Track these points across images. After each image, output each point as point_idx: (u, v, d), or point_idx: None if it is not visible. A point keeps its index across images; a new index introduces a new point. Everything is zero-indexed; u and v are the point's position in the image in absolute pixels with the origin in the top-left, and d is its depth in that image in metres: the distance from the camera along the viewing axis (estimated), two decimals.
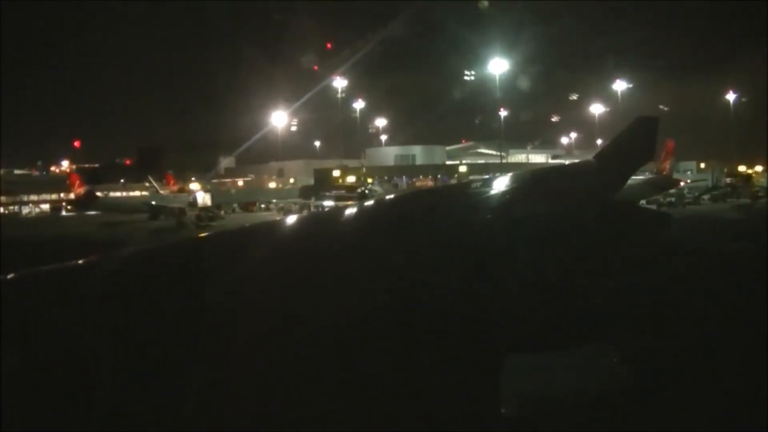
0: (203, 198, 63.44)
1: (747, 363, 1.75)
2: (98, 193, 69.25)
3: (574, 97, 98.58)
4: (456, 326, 1.63)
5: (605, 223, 2.08)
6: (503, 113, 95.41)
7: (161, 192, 76.90)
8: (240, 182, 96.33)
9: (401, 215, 2.18)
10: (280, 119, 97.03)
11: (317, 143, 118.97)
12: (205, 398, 1.30)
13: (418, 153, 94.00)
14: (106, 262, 1.74)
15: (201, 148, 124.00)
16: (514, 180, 2.69)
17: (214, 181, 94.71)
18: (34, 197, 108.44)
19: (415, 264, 1.76)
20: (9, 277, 1.49)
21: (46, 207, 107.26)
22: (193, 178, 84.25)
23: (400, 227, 2.02)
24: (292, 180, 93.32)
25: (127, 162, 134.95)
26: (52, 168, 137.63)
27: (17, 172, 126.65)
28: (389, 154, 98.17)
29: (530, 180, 2.66)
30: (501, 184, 2.57)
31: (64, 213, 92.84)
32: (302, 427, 1.36)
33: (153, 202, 62.10)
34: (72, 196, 70.43)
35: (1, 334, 1.26)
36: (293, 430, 1.35)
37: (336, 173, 76.05)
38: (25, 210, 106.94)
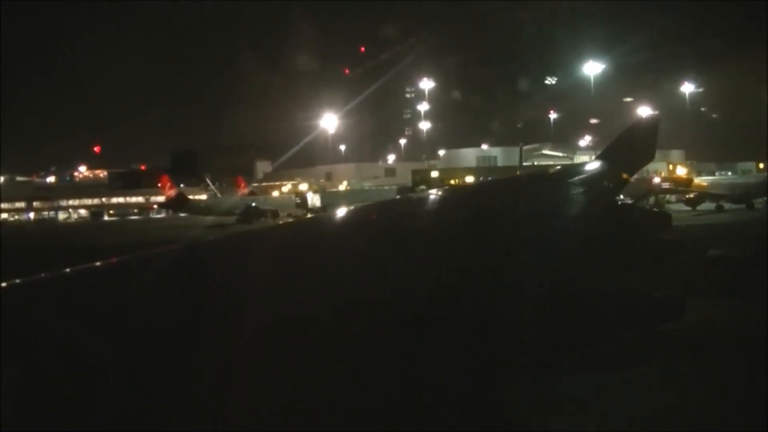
0: (312, 199, 61.93)
1: (749, 362, 1.75)
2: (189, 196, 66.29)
3: (629, 99, 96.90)
4: (461, 327, 1.65)
5: (608, 223, 2.14)
6: (553, 115, 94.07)
7: (219, 195, 74.38)
8: (286, 187, 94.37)
9: (405, 215, 2.24)
10: (327, 122, 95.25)
11: (342, 147, 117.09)
12: (207, 402, 1.32)
13: (499, 154, 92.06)
14: (114, 265, 1.76)
15: (233, 151, 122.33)
16: (517, 181, 2.88)
17: (261, 184, 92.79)
18: (73, 202, 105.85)
19: (420, 264, 1.79)
20: (10, 283, 1.49)
21: (83, 212, 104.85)
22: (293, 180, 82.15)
23: (405, 227, 2.07)
24: (345, 183, 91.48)
25: (143, 168, 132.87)
26: (75, 174, 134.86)
27: (19, 179, 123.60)
28: (468, 155, 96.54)
29: (534, 181, 2.70)
30: (506, 186, 2.72)
31: (152, 215, 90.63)
32: (303, 427, 1.39)
33: (254, 204, 59.63)
34: (162, 198, 67.68)
35: (1, 339, 1.27)
36: (294, 431, 1.38)
37: (434, 174, 74.89)
38: (62, 215, 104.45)
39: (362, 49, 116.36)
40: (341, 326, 1.53)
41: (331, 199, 64.10)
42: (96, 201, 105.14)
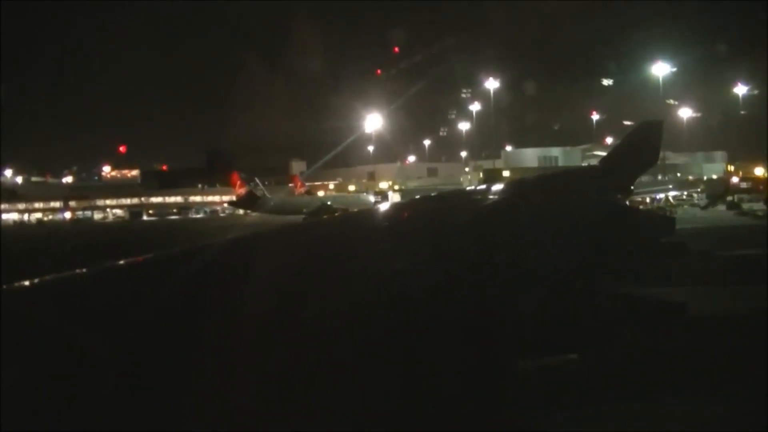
0: (392, 198, 61.55)
1: (751, 363, 1.77)
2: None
3: (673, 102, 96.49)
4: (463, 328, 1.67)
5: (611, 227, 2.17)
6: (596, 116, 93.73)
7: (267, 195, 73.75)
8: (331, 185, 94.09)
9: (409, 217, 2.26)
10: (365, 123, 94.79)
11: (370, 148, 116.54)
12: (207, 401, 1.33)
13: (560, 155, 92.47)
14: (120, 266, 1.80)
15: (263, 151, 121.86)
16: (521, 184, 2.86)
17: (291, 185, 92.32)
18: (111, 201, 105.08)
19: (421, 266, 1.81)
20: (12, 286, 1.52)
21: (119, 212, 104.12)
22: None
23: (407, 228, 2.10)
24: (389, 183, 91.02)
25: (164, 168, 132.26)
26: (103, 173, 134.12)
27: (34, 179, 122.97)
28: (529, 155, 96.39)
29: (537, 184, 2.73)
30: (510, 188, 2.75)
31: (221, 214, 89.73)
32: (304, 427, 1.39)
33: (329, 203, 59.01)
34: (233, 197, 66.83)
35: (1, 340, 1.28)
36: (295, 430, 1.38)
37: (506, 173, 74.64)
38: (98, 215, 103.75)
39: (396, 49, 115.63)
40: (350, 325, 1.55)
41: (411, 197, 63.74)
42: (135, 201, 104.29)
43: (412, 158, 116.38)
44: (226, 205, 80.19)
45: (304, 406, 1.41)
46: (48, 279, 1.61)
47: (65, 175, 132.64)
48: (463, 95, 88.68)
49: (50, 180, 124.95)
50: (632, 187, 2.55)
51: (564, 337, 1.76)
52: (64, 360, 1.32)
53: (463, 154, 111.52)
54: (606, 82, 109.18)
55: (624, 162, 2.47)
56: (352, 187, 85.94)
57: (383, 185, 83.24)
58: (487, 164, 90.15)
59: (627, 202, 2.74)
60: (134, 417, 1.28)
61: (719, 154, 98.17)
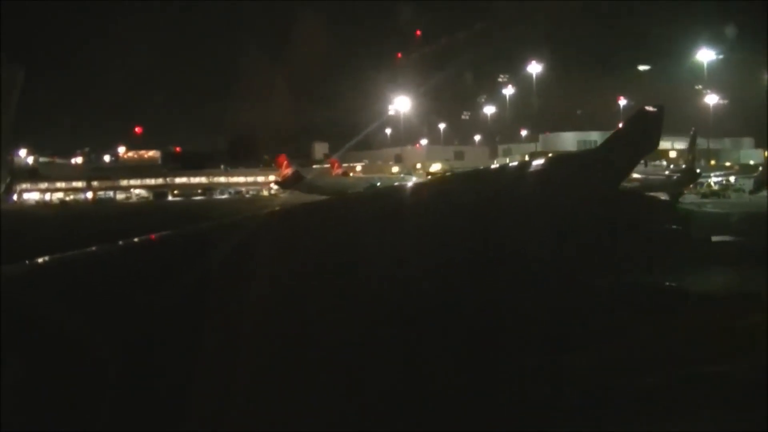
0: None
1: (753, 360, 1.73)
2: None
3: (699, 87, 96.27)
4: (463, 325, 1.63)
5: (611, 214, 2.13)
6: (623, 102, 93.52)
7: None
8: (358, 167, 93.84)
9: (404, 206, 2.19)
10: (394, 106, 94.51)
11: (388, 131, 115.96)
12: (210, 398, 1.30)
13: (599, 139, 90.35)
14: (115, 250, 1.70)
15: (284, 135, 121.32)
16: (516, 170, 2.85)
17: (315, 167, 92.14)
18: (134, 182, 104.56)
19: (419, 258, 1.76)
20: (9, 268, 1.46)
21: (140, 192, 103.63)
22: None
23: (402, 219, 2.01)
24: (419, 165, 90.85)
25: (177, 150, 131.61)
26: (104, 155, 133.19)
27: (42, 160, 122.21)
28: (568, 139, 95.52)
29: (534, 170, 2.70)
30: (502, 174, 2.73)
31: (266, 193, 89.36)
32: (306, 427, 1.37)
33: (378, 184, 58.75)
34: (279, 177, 66.51)
35: (1, 331, 1.25)
36: (297, 430, 1.36)
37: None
38: (120, 196, 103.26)
39: (418, 33, 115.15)
40: (353, 320, 1.51)
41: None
42: (159, 181, 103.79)
43: (424, 141, 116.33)
44: (272, 185, 79.79)
45: (305, 405, 1.38)
46: (47, 260, 1.53)
47: (75, 156, 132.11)
48: (501, 80, 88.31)
49: (57, 161, 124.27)
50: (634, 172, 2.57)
51: (565, 330, 1.72)
52: (65, 351, 1.27)
53: (477, 138, 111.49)
54: (642, 67, 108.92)
55: (623, 147, 2.43)
56: (395, 169, 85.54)
57: (436, 167, 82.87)
58: (516, 149, 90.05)
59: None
60: (138, 413, 1.24)
61: (746, 141, 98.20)
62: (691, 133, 53.67)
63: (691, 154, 52.04)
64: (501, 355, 1.61)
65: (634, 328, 1.76)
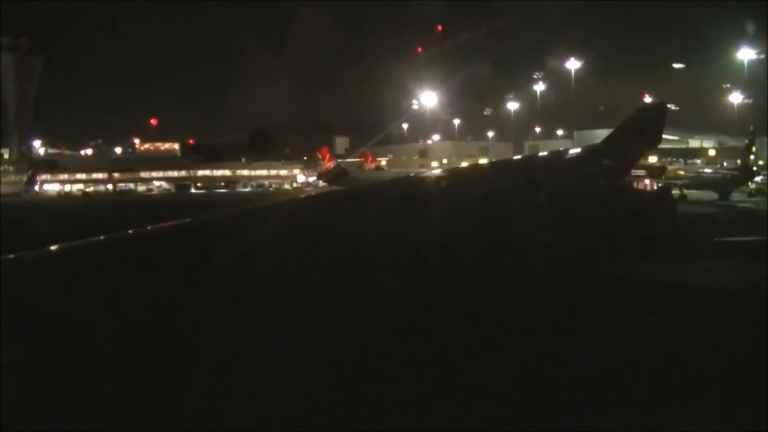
0: None
1: (749, 356, 1.75)
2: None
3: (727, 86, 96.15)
4: (466, 314, 1.65)
5: (610, 208, 2.17)
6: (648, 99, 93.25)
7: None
8: (383, 162, 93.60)
9: (411, 198, 2.19)
10: (426, 99, 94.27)
11: (405, 126, 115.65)
12: (211, 395, 1.29)
13: None
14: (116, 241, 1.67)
15: (302, 129, 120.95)
16: (518, 164, 2.92)
17: (346, 161, 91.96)
18: (156, 174, 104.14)
19: (425, 249, 1.78)
20: (9, 258, 1.44)
21: (162, 184, 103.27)
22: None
23: (410, 211, 2.03)
24: (445, 161, 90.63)
25: (191, 142, 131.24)
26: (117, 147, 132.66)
27: (51, 151, 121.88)
28: (603, 137, 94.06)
29: (535, 165, 2.73)
30: (507, 167, 2.83)
31: (287, 187, 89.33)
32: (308, 426, 1.37)
33: None
34: (321, 171, 66.10)
35: (1, 324, 1.23)
36: (298, 430, 1.36)
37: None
38: (141, 188, 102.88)
39: (438, 27, 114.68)
40: (360, 315, 1.50)
41: None
42: (183, 173, 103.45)
43: (436, 137, 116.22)
44: (316, 179, 79.56)
45: (309, 405, 1.36)
46: (53, 250, 1.51)
47: (85, 148, 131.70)
48: (536, 76, 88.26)
49: (66, 152, 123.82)
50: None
51: (562, 320, 1.73)
52: (65, 347, 1.26)
53: (491, 133, 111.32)
54: (677, 65, 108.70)
55: (624, 143, 2.43)
56: (435, 163, 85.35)
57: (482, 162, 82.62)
58: (544, 145, 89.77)
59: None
60: (139, 412, 1.23)
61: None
62: (751, 130, 53.45)
63: (748, 152, 51.84)
64: (503, 347, 1.61)
65: (634, 324, 1.78)
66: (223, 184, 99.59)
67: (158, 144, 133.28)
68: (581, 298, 1.80)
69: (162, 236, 1.68)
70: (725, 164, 60.21)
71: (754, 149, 53.66)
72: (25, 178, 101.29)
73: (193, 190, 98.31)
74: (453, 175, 2.72)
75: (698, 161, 68.64)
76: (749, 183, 52.51)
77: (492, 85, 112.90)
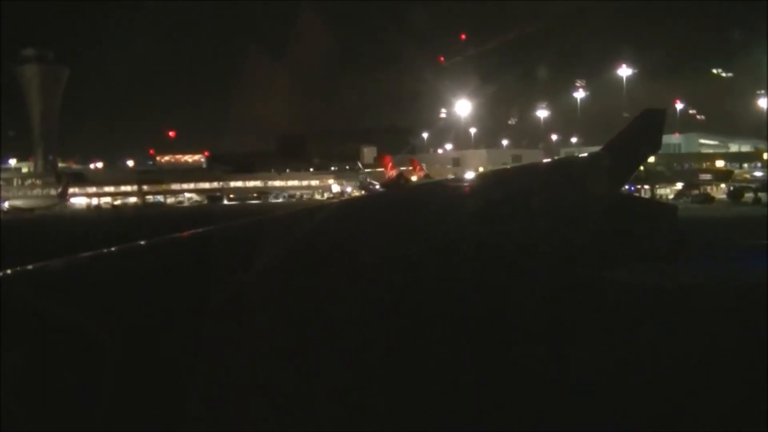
0: None
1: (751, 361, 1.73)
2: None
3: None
4: (467, 320, 1.63)
5: (612, 215, 2.17)
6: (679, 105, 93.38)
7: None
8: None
9: (410, 205, 2.22)
10: (460, 108, 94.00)
11: (425, 135, 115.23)
12: (212, 397, 1.30)
13: (681, 141, 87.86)
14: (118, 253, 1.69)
15: (330, 137, 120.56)
16: (521, 172, 2.94)
17: (375, 170, 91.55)
18: (188, 186, 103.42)
19: (426, 255, 1.78)
20: (12, 271, 1.45)
21: (192, 196, 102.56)
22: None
23: (410, 218, 2.04)
24: (481, 169, 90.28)
25: (206, 153, 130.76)
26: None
27: (61, 165, 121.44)
28: None
29: (537, 172, 2.77)
30: (509, 175, 2.83)
31: (318, 197, 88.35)
32: (308, 426, 1.37)
33: None
34: (384, 180, 65.60)
35: (1, 329, 1.25)
36: (299, 430, 1.36)
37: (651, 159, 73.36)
38: (170, 200, 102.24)
39: (462, 36, 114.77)
40: (364, 318, 1.51)
41: None
42: (215, 185, 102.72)
43: (449, 146, 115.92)
44: (378, 186, 79.15)
45: (309, 405, 1.37)
46: (55, 263, 1.52)
47: (93, 161, 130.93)
48: (577, 84, 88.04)
49: (73, 166, 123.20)
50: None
51: (563, 326, 1.72)
52: (66, 349, 1.26)
53: (503, 140, 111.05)
54: (716, 71, 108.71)
55: (626, 150, 2.45)
56: (471, 172, 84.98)
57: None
58: (578, 152, 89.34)
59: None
60: (135, 415, 1.23)
61: None
62: None
63: None
64: (503, 350, 1.61)
65: (634, 327, 1.78)
66: (255, 195, 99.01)
67: (178, 156, 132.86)
68: (583, 303, 1.79)
69: (168, 246, 1.70)
70: None
71: None
72: (53, 191, 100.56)
73: (225, 202, 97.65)
74: (459, 184, 2.70)
75: (745, 166, 68.19)
76: None
77: (520, 93, 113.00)
